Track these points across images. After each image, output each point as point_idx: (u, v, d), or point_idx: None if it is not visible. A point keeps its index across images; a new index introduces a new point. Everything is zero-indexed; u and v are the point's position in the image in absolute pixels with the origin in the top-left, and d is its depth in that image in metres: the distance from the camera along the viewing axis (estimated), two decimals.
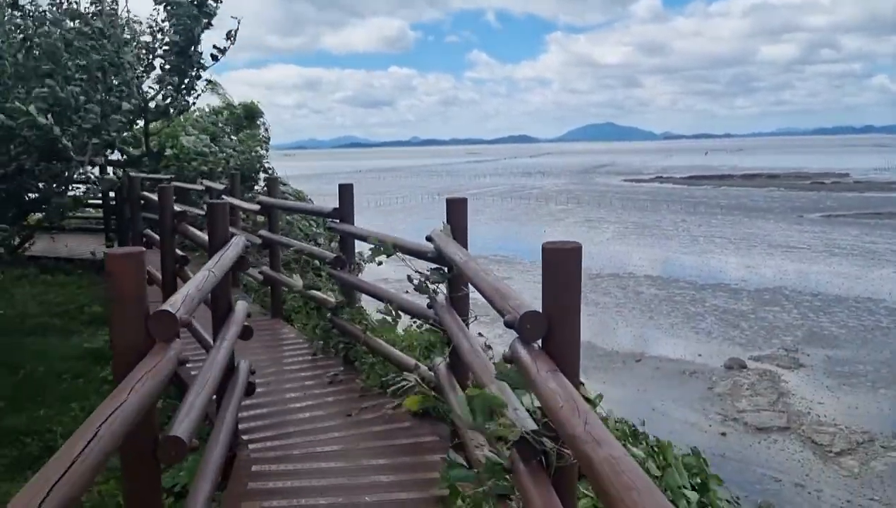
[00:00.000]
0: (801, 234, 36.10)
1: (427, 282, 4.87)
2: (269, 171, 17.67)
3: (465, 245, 4.70)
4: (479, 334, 4.86)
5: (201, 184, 13.07)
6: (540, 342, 2.84)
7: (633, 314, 20.93)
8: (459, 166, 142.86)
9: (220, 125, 17.97)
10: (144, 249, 3.14)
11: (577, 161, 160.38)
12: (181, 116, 17.06)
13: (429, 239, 4.94)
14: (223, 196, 10.87)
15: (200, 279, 3.94)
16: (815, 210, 46.74)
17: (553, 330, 2.75)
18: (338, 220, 7.02)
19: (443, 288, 4.82)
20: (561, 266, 2.77)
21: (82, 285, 13.19)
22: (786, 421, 12.77)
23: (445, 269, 4.74)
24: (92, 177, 12.84)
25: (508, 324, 2.83)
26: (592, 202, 55.69)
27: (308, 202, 16.52)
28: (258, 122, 19.18)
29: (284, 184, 17.00)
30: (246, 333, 4.95)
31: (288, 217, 14.05)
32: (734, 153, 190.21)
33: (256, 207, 9.57)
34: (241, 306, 5.11)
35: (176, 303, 3.24)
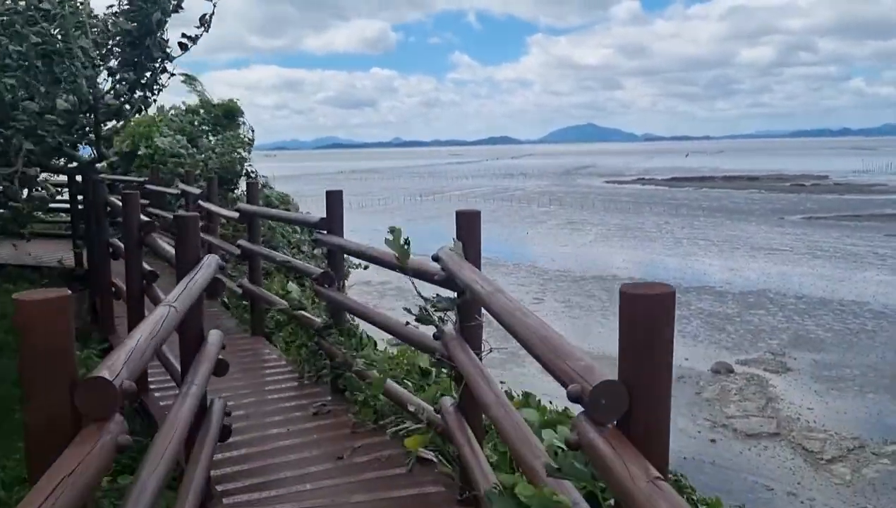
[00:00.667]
0: (782, 236, 36.17)
1: (433, 311, 4.14)
2: (252, 174, 16.89)
3: (478, 265, 3.98)
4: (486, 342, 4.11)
5: (177, 187, 12.43)
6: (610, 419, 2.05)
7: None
8: (442, 167, 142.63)
9: (197, 125, 17.26)
10: (69, 292, 2.35)
11: (558, 162, 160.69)
12: (154, 115, 16.45)
13: (436, 259, 4.14)
14: (199, 201, 10.40)
15: (155, 322, 3.06)
16: (796, 212, 46.94)
17: (635, 408, 1.98)
18: (325, 232, 6.25)
19: (452, 315, 4.14)
20: (648, 318, 1.97)
21: None
22: (775, 426, 12.61)
23: (455, 295, 4.02)
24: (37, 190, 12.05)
25: (574, 398, 2.05)
26: (575, 204, 55.65)
27: (294, 206, 15.87)
28: (239, 122, 18.35)
29: (269, 188, 16.43)
30: (220, 368, 4.35)
31: (271, 222, 13.55)
32: (714, 155, 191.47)
33: (235, 215, 8.90)
34: (214, 337, 4.46)
35: (116, 366, 2.34)
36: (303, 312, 6.79)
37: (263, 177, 17.39)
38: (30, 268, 13.23)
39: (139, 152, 15.67)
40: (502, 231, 41.01)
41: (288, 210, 15.10)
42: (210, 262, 4.46)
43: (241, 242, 8.49)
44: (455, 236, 4.12)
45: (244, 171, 16.67)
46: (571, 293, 24.06)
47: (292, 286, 7.07)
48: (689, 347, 17.55)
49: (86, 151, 11.85)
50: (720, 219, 43.56)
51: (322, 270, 6.30)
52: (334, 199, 6.23)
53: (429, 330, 4.39)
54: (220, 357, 4.35)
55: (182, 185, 12.29)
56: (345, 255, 6.68)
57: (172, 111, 17.44)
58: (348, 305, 6.03)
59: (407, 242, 4.36)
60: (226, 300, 9.54)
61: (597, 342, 18.15)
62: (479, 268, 3.86)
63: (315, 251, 13.93)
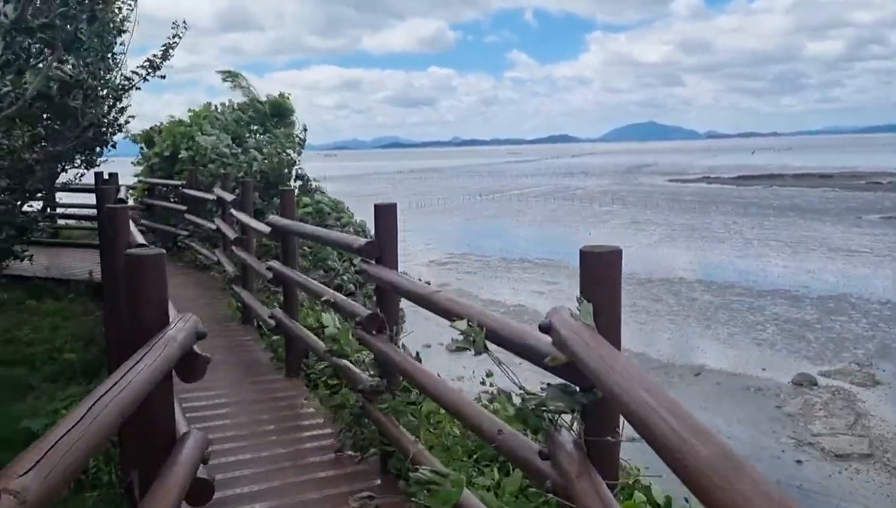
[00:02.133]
0: (861, 237, 34.37)
1: (542, 410, 2.64)
2: (303, 177, 15.55)
3: (616, 341, 2.51)
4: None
5: (213, 192, 11.08)
6: None
7: (688, 322, 19.75)
8: (500, 166, 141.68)
9: (244, 123, 15.79)
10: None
11: (619, 161, 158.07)
12: (199, 112, 15.53)
13: (545, 329, 2.65)
14: (232, 210, 9.16)
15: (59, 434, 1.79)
16: (874, 211, 44.72)
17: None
18: (373, 261, 4.59)
19: (567, 418, 2.64)
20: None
21: (69, 315, 10.57)
22: (867, 446, 11.58)
23: (578, 390, 2.54)
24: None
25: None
26: (637, 203, 54.19)
27: (347, 214, 14.59)
28: (290, 120, 16.58)
29: (320, 193, 15.20)
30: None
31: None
32: (782, 152, 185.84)
33: (266, 229, 7.17)
34: (191, 443, 2.85)
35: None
36: (345, 362, 5.08)
37: (315, 180, 15.93)
38: (56, 281, 11.86)
39: (180, 154, 14.56)
40: (564, 231, 40.07)
41: (340, 219, 14.08)
42: (175, 336, 2.71)
43: (273, 264, 6.94)
44: (578, 295, 2.70)
45: (294, 174, 15.36)
46: (637, 296, 23.07)
47: (329, 319, 4.97)
48: (765, 356, 16.51)
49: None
50: (792, 219, 41.76)
51: (370, 312, 4.60)
52: (386, 218, 4.54)
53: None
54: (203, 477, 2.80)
55: (217, 190, 10.73)
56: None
57: (219, 108, 16.21)
58: (400, 366, 4.24)
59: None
60: (262, 324, 7.95)
61: (666, 348, 17.24)
62: (618, 341, 2.52)
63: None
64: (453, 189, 76.35)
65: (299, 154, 15.71)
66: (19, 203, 7.89)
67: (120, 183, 11.52)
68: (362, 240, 4.79)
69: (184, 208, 12.94)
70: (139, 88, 9.55)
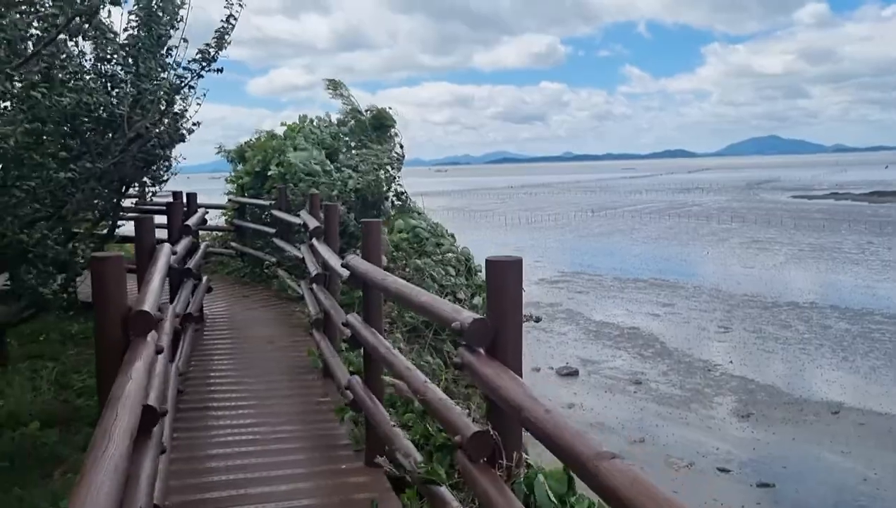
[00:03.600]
0: None
1: None
2: (403, 196, 14.18)
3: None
4: None
5: (299, 215, 9.68)
6: None
7: (822, 353, 18.13)
8: (614, 182, 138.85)
9: (340, 138, 14.45)
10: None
11: (738, 176, 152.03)
12: (293, 126, 14.43)
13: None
14: (314, 240, 7.61)
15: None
16: None
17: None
18: (481, 349, 3.03)
19: None
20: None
21: None
22: None
23: None
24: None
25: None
26: (759, 220, 51.48)
27: (446, 238, 12.66)
28: (390, 134, 15.02)
29: (417, 214, 13.61)
30: None
31: (418, 261, 11.26)
32: None
33: (344, 273, 5.44)
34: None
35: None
36: (441, 491, 3.57)
37: (412, 200, 14.53)
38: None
39: (269, 171, 13.27)
40: (680, 250, 38.36)
41: (440, 246, 12.23)
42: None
43: (351, 320, 5.35)
44: None
45: (392, 192, 13.99)
46: (763, 322, 21.52)
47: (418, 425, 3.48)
48: None
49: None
50: None
51: (477, 428, 3.03)
52: (503, 278, 3.00)
53: None
54: None
55: (304, 214, 9.19)
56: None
57: (315, 121, 14.90)
58: None
59: None
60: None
61: (798, 381, 15.81)
62: None
63: (476, 300, 11.18)
64: (565, 204, 75.07)
65: (398, 169, 14.41)
66: (54, 231, 6.07)
67: (206, 201, 10.86)
68: (465, 315, 3.08)
69: (271, 231, 11.66)
70: (193, 88, 7.77)
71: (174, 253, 5.84)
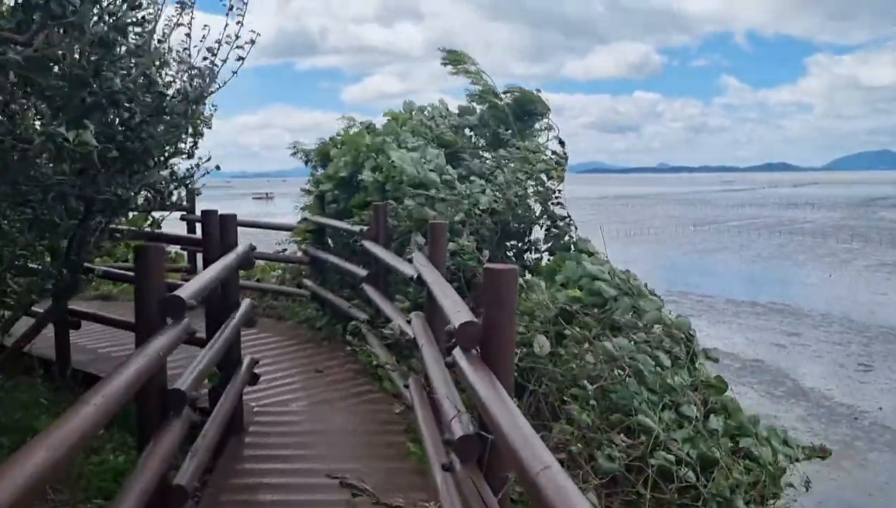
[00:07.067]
0: None
1: None
2: (559, 221, 8.86)
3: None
4: None
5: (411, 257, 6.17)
6: None
7: None
8: (712, 194, 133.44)
9: (467, 132, 10.27)
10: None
11: (850, 192, 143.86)
12: (398, 116, 10.54)
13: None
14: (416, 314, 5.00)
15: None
16: None
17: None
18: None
19: None
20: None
21: None
22: None
23: None
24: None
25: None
26: (884, 241, 47.27)
27: (648, 297, 7.33)
28: (540, 126, 10.21)
29: (595, 255, 8.12)
30: None
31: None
32: None
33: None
34: None
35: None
36: None
37: (576, 229, 8.94)
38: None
39: (360, 177, 9.12)
40: (798, 271, 35.19)
41: (638, 309, 6.75)
42: None
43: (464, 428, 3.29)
44: None
45: (545, 214, 8.96)
46: None
47: None
48: None
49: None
50: None
51: None
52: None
53: None
54: None
55: (418, 258, 5.63)
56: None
57: (427, 109, 10.78)
58: None
59: None
60: None
61: None
62: None
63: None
64: (662, 217, 71.83)
65: (560, 180, 9.11)
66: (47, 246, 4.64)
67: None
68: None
69: (362, 273, 7.98)
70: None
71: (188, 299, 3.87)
